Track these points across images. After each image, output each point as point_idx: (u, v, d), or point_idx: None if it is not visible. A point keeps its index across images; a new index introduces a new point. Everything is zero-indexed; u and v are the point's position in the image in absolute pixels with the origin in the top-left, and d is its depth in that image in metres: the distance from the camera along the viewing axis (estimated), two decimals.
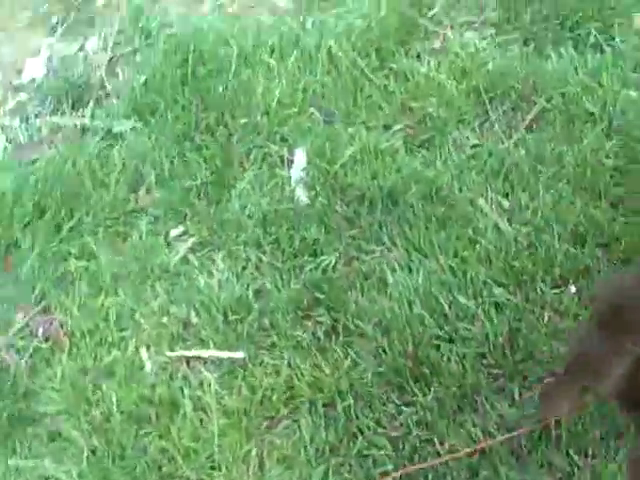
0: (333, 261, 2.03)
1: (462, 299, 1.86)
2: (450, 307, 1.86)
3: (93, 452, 1.91)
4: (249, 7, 2.80)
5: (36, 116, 2.53)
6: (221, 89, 2.39)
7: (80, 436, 1.92)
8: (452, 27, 2.56)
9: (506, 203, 2.06)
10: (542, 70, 2.33)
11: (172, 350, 2.00)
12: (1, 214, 2.21)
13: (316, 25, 2.61)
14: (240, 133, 2.31)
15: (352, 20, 2.60)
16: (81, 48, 2.70)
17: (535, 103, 2.27)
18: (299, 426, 1.81)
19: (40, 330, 2.07)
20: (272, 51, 2.51)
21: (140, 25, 2.63)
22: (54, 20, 2.75)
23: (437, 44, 2.52)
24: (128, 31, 2.65)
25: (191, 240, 2.17)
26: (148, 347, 2.02)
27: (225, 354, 1.95)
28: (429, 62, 2.44)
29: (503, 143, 2.19)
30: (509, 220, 2.01)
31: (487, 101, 2.30)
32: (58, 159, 2.32)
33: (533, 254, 1.93)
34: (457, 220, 2.02)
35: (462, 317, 1.84)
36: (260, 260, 2.08)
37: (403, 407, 1.78)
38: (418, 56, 2.48)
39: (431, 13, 2.60)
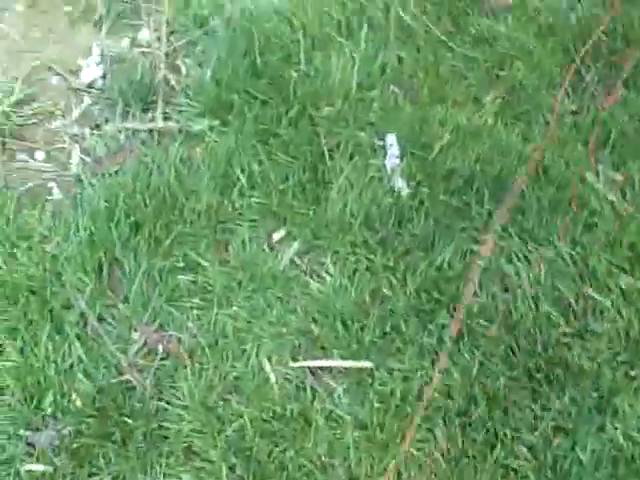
0: (447, 257, 1.99)
1: (588, 291, 1.82)
2: (577, 302, 1.82)
3: (231, 469, 1.92)
4: None
5: (106, 121, 2.44)
6: (296, 77, 2.29)
7: (216, 454, 1.93)
8: None
9: (618, 176, 1.99)
10: (631, 15, 2.21)
11: (295, 361, 1.99)
12: (98, 234, 2.16)
13: None
14: (325, 124, 2.23)
15: None
16: (133, 42, 2.59)
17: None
18: (434, 436, 1.81)
19: (159, 347, 2.06)
20: (339, 26, 2.41)
21: (192, 12, 2.50)
22: (97, 14, 2.62)
23: None
24: (179, 19, 2.53)
25: (295, 243, 2.13)
26: (270, 359, 2.01)
27: (352, 364, 1.94)
28: (507, 20, 2.33)
29: (603, 107, 2.10)
30: (623, 196, 1.94)
31: (578, 60, 2.20)
32: (142, 169, 2.25)
33: None
34: (570, 201, 1.96)
35: (590, 311, 1.80)
36: (371, 261, 2.04)
37: (539, 412, 1.76)
38: (494, 14, 2.36)
39: None
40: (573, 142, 2.07)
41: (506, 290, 1.91)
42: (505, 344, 1.83)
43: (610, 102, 2.12)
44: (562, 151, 2.06)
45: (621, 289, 1.83)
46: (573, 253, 1.90)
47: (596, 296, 1.82)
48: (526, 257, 1.94)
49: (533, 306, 1.85)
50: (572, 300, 1.83)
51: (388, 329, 1.93)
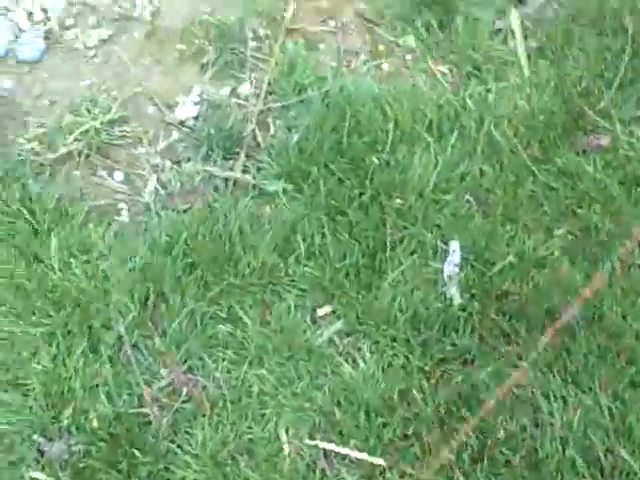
0: (484, 376, 1.98)
1: (621, 451, 1.80)
2: (606, 457, 1.80)
3: None
4: (404, 67, 2.75)
5: (188, 160, 2.52)
6: (377, 164, 2.34)
7: None
8: (621, 122, 2.47)
9: None
10: None
11: (312, 439, 1.99)
12: (153, 265, 2.21)
13: (476, 101, 2.54)
14: (394, 216, 2.27)
15: (514, 101, 2.53)
16: (232, 92, 2.67)
17: None
18: None
19: (184, 390, 2.09)
20: (430, 127, 2.46)
21: (294, 78, 2.58)
22: (205, 58, 2.72)
23: (605, 141, 2.43)
24: (281, 81, 2.61)
25: (338, 323, 2.16)
26: (287, 430, 2.02)
27: (365, 457, 1.93)
28: (595, 161, 2.36)
29: None
30: None
31: None
32: (210, 215, 2.31)
33: None
34: (620, 353, 1.96)
35: (620, 472, 1.78)
36: (408, 359, 2.05)
37: None
38: (584, 152, 2.40)
39: (600, 105, 2.50)
40: (635, 295, 2.07)
41: (536, 425, 1.89)
42: (523, 479, 1.81)
43: None
44: (622, 301, 2.05)
45: None
46: (612, 406, 1.88)
47: (627, 457, 1.79)
48: (563, 398, 1.92)
49: (560, 449, 1.83)
50: (601, 454, 1.81)
51: (410, 432, 1.92)
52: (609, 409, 1.88)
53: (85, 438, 2.00)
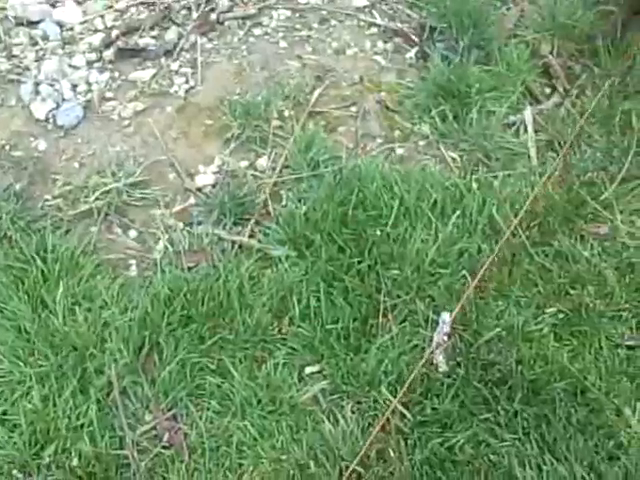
0: (462, 441, 1.98)
1: None
2: None
3: None
4: (418, 152, 2.85)
5: (199, 223, 2.62)
6: (377, 237, 2.41)
7: None
8: (622, 212, 2.52)
9: None
10: None
11: None
12: (151, 316, 2.28)
13: (481, 185, 2.62)
14: (389, 285, 2.31)
15: (519, 188, 2.60)
16: (251, 165, 2.79)
17: None
18: None
19: (165, 436, 2.13)
20: (434, 206, 2.53)
21: (310, 155, 2.70)
22: (230, 133, 2.87)
23: (604, 229, 2.48)
24: (297, 157, 2.73)
25: (324, 382, 2.18)
26: None
27: None
28: (592, 247, 2.40)
29: None
30: None
31: None
32: (212, 273, 2.38)
33: None
34: (599, 428, 1.95)
35: None
36: (388, 420, 2.05)
37: None
38: (582, 238, 2.44)
39: (603, 197, 2.55)
40: (621, 374, 2.07)
41: None
42: None
43: None
44: (608, 379, 2.05)
45: None
46: (587, 478, 1.86)
47: None
48: (539, 466, 1.91)
49: None
50: None
51: None
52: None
53: (63, 476, 2.04)
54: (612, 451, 1.92)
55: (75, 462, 2.05)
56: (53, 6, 3.27)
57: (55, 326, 2.32)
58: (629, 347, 2.15)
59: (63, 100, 3.03)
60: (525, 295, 2.28)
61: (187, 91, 3.04)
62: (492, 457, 1.95)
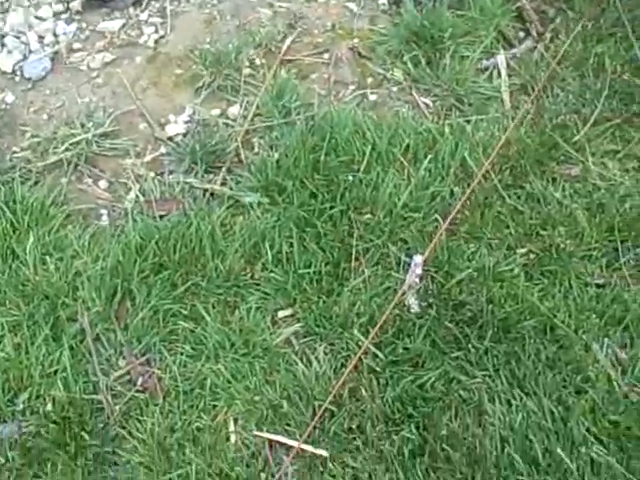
0: (433, 378, 2.00)
1: (558, 450, 1.79)
2: (544, 456, 1.79)
3: None
4: (391, 98, 2.83)
5: (170, 173, 2.60)
6: (350, 182, 2.40)
7: None
8: (594, 155, 2.52)
9: (623, 355, 1.98)
10: None
11: (259, 430, 2.00)
12: (123, 264, 2.27)
13: (454, 130, 2.61)
14: (362, 229, 2.31)
15: (491, 131, 2.59)
16: (222, 114, 2.77)
17: None
18: None
19: (139, 380, 2.14)
20: (406, 151, 2.52)
21: (282, 102, 2.68)
22: (201, 82, 2.84)
23: (576, 171, 2.48)
24: (269, 105, 2.70)
25: (297, 325, 2.19)
26: (236, 421, 2.04)
27: (309, 448, 1.95)
28: (564, 188, 2.40)
29: (629, 289, 2.13)
30: (623, 374, 1.93)
31: (619, 241, 2.24)
32: (183, 221, 2.37)
33: None
34: (568, 363, 1.97)
35: (554, 470, 1.77)
36: (360, 361, 2.06)
37: None
38: (554, 180, 2.44)
39: (575, 139, 2.55)
40: (590, 311, 2.08)
41: (479, 425, 1.89)
42: (461, 474, 1.80)
43: (637, 287, 2.13)
44: (577, 317, 2.07)
45: (591, 459, 1.79)
46: (555, 411, 1.88)
47: (564, 457, 1.78)
48: (508, 401, 1.93)
49: (500, 447, 1.82)
50: (540, 453, 1.80)
51: (354, 426, 1.93)
52: (552, 413, 1.88)
53: (37, 421, 2.04)
54: (580, 385, 1.94)
55: (49, 407, 2.06)
56: None
57: (26, 276, 2.31)
58: (598, 285, 2.17)
59: (30, 52, 2.98)
60: (497, 237, 2.29)
61: (157, 41, 3.00)
62: (463, 393, 1.97)
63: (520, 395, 1.93)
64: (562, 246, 2.23)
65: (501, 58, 2.87)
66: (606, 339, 2.03)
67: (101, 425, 2.03)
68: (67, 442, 1.99)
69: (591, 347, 2.01)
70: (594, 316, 2.07)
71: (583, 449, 1.81)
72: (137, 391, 2.09)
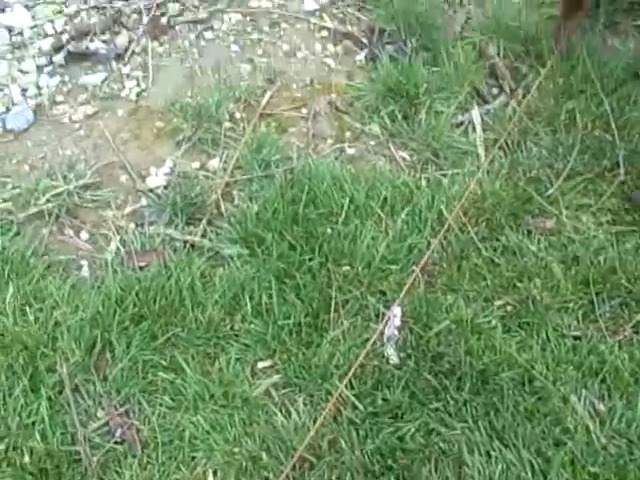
0: (412, 430, 2.01)
1: None
2: None
3: None
4: (368, 151, 2.88)
5: (151, 224, 2.62)
6: (328, 234, 2.43)
7: None
8: (567, 208, 2.58)
9: (601, 407, 2.01)
10: None
11: None
12: (103, 315, 2.28)
13: (431, 184, 2.66)
14: (340, 281, 2.34)
15: (467, 185, 2.65)
16: (202, 166, 2.80)
17: None
18: None
19: (118, 432, 2.12)
20: (384, 204, 2.56)
21: (261, 155, 2.72)
22: (181, 135, 2.87)
23: (550, 224, 2.53)
24: (248, 158, 2.75)
25: (276, 376, 2.20)
26: (215, 473, 2.04)
27: None
28: (539, 241, 2.45)
29: (606, 341, 2.16)
30: (601, 426, 1.95)
31: (594, 293, 2.28)
32: (164, 272, 2.39)
33: (622, 469, 1.86)
34: (546, 415, 1.99)
35: None
36: (340, 412, 2.07)
37: None
38: (529, 233, 2.49)
39: (548, 192, 2.61)
40: (567, 363, 2.12)
41: (459, 477, 1.90)
42: None
43: (613, 339, 2.17)
44: (555, 368, 2.10)
45: None
46: (534, 463, 1.90)
47: None
48: (488, 453, 1.94)
49: None
50: None
51: (334, 478, 1.93)
52: (531, 465, 1.89)
53: (14, 472, 2.02)
54: (559, 437, 1.96)
55: (26, 459, 2.04)
56: (2, 11, 3.26)
57: (5, 326, 2.30)
58: (575, 337, 2.20)
59: (13, 104, 3.01)
60: (474, 289, 2.32)
61: (138, 94, 3.04)
62: (442, 445, 1.98)
63: (499, 447, 1.94)
64: (538, 298, 2.27)
65: (475, 113, 2.94)
66: (584, 390, 2.05)
67: (79, 477, 2.01)
68: None
69: (569, 399, 2.04)
70: (571, 368, 2.10)
71: None
72: (115, 442, 2.08)
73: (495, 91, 3.01)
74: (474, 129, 2.91)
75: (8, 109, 3.00)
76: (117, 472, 2.02)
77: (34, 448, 2.04)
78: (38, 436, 2.07)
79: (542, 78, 2.93)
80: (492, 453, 1.94)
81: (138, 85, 3.08)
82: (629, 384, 2.07)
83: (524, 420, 1.99)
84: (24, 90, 3.06)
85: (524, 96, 2.91)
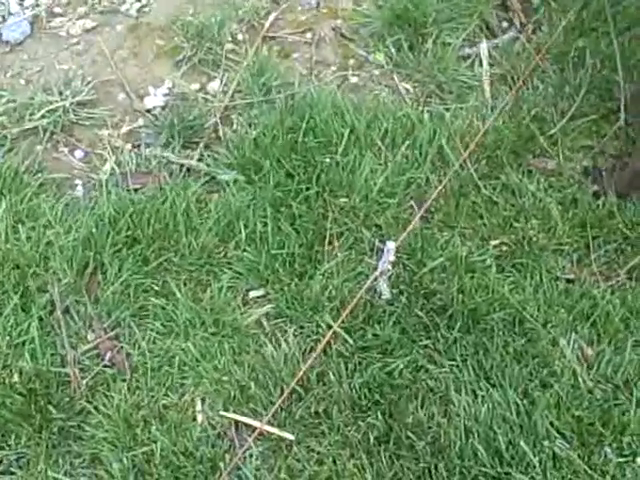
0: (401, 366, 2.02)
1: (522, 443, 1.82)
2: (507, 448, 1.82)
3: None
4: (372, 81, 2.82)
5: (147, 146, 2.58)
6: (327, 164, 2.40)
7: (118, 469, 1.93)
8: (570, 149, 2.54)
9: (589, 351, 2.02)
10: None
11: (226, 410, 2.01)
12: (96, 236, 2.26)
13: (433, 117, 2.61)
14: (337, 212, 2.32)
15: (470, 120, 2.60)
16: (202, 88, 2.75)
17: None
18: None
19: (107, 355, 2.13)
20: (385, 135, 2.52)
21: (262, 80, 2.66)
22: (182, 55, 2.81)
23: (551, 164, 2.50)
24: (249, 82, 2.69)
25: (268, 306, 2.19)
26: (204, 400, 2.05)
27: (275, 430, 1.96)
28: (539, 181, 2.42)
29: (599, 285, 2.16)
30: (589, 370, 1.96)
31: (590, 237, 2.26)
32: (159, 195, 2.36)
33: (606, 414, 1.88)
34: (535, 357, 2.00)
35: (517, 462, 1.80)
36: (329, 345, 2.07)
37: None
38: (530, 172, 2.46)
39: (551, 132, 2.57)
40: (558, 306, 2.11)
41: (445, 415, 1.92)
42: (425, 463, 1.83)
43: (606, 284, 2.16)
44: (546, 311, 2.09)
45: (553, 453, 1.82)
46: (520, 404, 1.91)
47: (527, 450, 1.81)
48: (474, 392, 1.95)
49: (464, 438, 1.85)
50: (503, 446, 1.83)
51: (321, 410, 1.94)
52: (516, 405, 1.91)
53: (3, 391, 2.03)
54: (545, 379, 1.97)
55: (16, 379, 2.05)
56: None
57: None
58: (568, 280, 2.19)
59: (9, 14, 2.93)
60: (470, 227, 2.30)
61: (139, 10, 2.96)
62: (430, 382, 1.99)
63: (486, 386, 1.96)
64: (534, 239, 2.25)
65: (483, 47, 2.87)
66: (573, 334, 2.05)
67: (67, 399, 2.02)
68: (32, 414, 1.98)
69: (558, 342, 2.04)
70: (563, 311, 2.10)
71: (546, 443, 1.84)
72: (105, 366, 2.09)
73: (505, 25, 2.93)
74: (481, 63, 2.84)
75: (4, 19, 2.91)
76: (106, 395, 2.03)
77: (23, 368, 2.05)
78: (28, 356, 2.07)
79: (554, 13, 2.84)
80: (479, 392, 1.95)
81: (139, 0, 2.99)
82: (619, 329, 2.07)
83: (512, 361, 1.99)
84: (21, 0, 2.97)
85: (534, 31, 2.83)
